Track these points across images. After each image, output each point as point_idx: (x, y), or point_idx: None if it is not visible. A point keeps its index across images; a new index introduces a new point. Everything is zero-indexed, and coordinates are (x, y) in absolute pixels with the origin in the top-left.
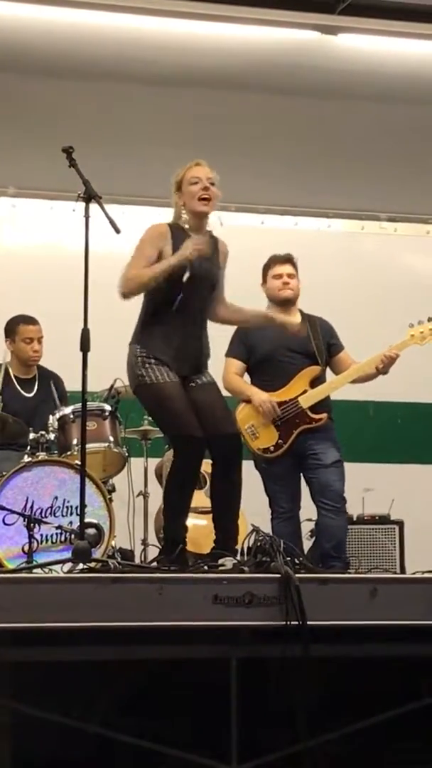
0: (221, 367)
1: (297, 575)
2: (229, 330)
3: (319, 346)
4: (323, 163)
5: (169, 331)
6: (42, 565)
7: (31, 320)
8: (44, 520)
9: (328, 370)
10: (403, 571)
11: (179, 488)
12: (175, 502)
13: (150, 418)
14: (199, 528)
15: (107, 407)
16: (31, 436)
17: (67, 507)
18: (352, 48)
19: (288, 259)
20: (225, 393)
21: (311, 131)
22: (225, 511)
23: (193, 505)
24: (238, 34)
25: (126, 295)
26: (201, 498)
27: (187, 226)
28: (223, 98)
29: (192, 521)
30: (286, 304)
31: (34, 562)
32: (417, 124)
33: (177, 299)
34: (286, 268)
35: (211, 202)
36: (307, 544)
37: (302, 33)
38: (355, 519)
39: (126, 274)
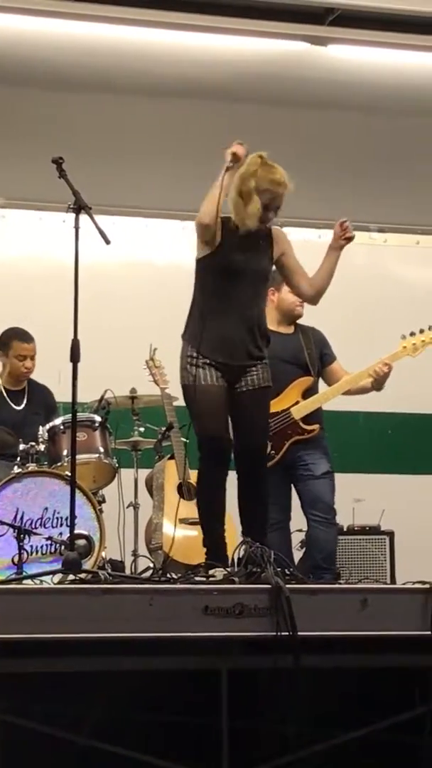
0: None
1: (287, 586)
2: None
3: (312, 356)
4: (312, 174)
5: (215, 326)
6: (32, 576)
7: (27, 338)
8: (34, 531)
9: (320, 381)
10: (393, 581)
11: (206, 490)
12: (204, 505)
13: (141, 429)
14: (189, 539)
15: (97, 418)
16: (21, 447)
17: (57, 518)
18: (342, 59)
19: None
20: None
21: (300, 142)
22: (251, 525)
23: (182, 516)
24: (228, 45)
25: (207, 224)
26: (191, 509)
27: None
28: (214, 109)
29: (182, 532)
30: (292, 319)
31: (24, 574)
32: (406, 135)
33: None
34: None
35: None
36: (297, 554)
37: (292, 44)
38: (345, 529)
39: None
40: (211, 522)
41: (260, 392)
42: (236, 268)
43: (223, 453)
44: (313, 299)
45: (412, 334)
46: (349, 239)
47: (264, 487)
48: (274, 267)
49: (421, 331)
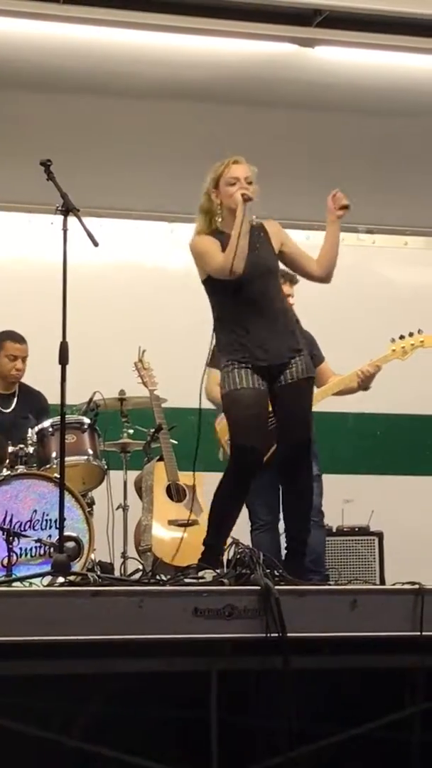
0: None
1: (277, 587)
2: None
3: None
4: (301, 175)
5: (237, 328)
6: (21, 579)
7: (19, 339)
8: (23, 533)
9: None
10: (383, 582)
11: (227, 497)
12: (218, 509)
13: (130, 431)
14: (179, 540)
15: (86, 420)
16: (10, 449)
17: (46, 520)
18: (330, 60)
19: (290, 279)
20: (207, 405)
21: (288, 143)
22: (292, 519)
23: (172, 517)
24: (215, 47)
25: (235, 273)
26: (180, 511)
27: (221, 224)
28: (202, 111)
29: (171, 534)
30: None
31: (13, 576)
32: (394, 136)
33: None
34: (287, 288)
35: (250, 201)
36: None
37: (279, 45)
38: (334, 530)
39: (214, 267)
40: (214, 527)
41: (302, 383)
42: (245, 274)
43: (254, 461)
44: (326, 278)
45: (402, 337)
46: (345, 207)
47: (305, 482)
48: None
49: (411, 335)
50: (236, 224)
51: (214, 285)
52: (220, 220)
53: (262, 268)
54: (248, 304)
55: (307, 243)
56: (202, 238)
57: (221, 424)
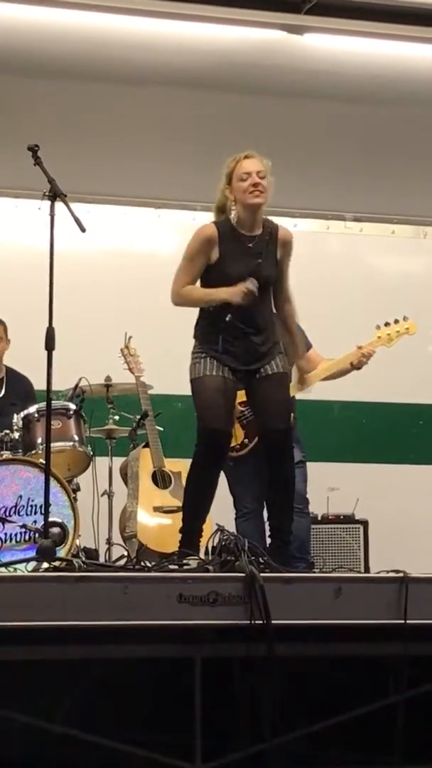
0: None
1: (261, 574)
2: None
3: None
4: (289, 163)
5: (220, 331)
6: (6, 564)
7: None
8: (8, 519)
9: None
10: (367, 570)
11: (198, 480)
12: (191, 494)
13: (115, 417)
14: (164, 527)
15: (72, 406)
16: None
17: (31, 506)
18: (318, 48)
19: None
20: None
21: (276, 130)
22: (275, 508)
23: (157, 504)
24: (203, 33)
25: (177, 305)
26: (165, 497)
27: (236, 221)
28: (189, 97)
29: (157, 520)
30: None
31: None
32: (382, 124)
33: (227, 316)
34: None
35: (263, 194)
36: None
37: (268, 32)
38: (319, 518)
39: (174, 286)
40: (190, 512)
41: (276, 377)
42: (238, 277)
43: (221, 444)
44: (284, 323)
45: (387, 324)
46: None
47: (286, 472)
48: None
49: (396, 322)
50: (218, 294)
51: (209, 275)
52: (234, 216)
53: (259, 281)
54: (236, 309)
55: (294, 231)
56: (206, 229)
57: None
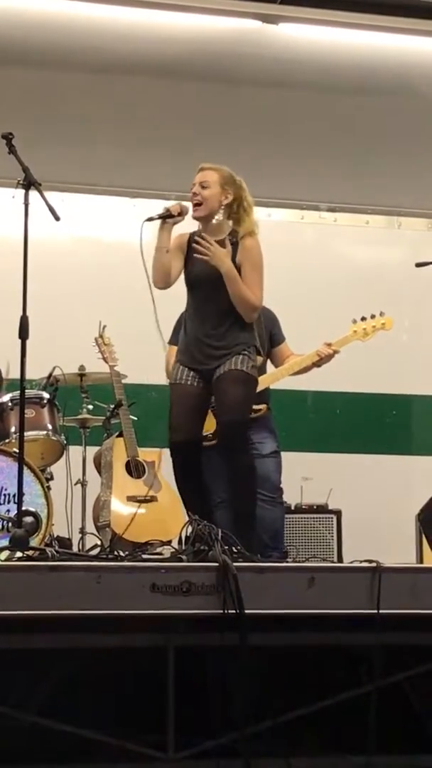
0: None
1: (235, 564)
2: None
3: (261, 335)
4: (263, 153)
5: (185, 332)
6: None
7: None
8: None
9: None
10: (340, 560)
11: (179, 491)
12: (184, 502)
13: (89, 406)
14: (138, 516)
15: (45, 395)
16: None
17: (4, 495)
18: (294, 37)
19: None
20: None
21: (251, 120)
22: (233, 495)
23: (131, 493)
24: (178, 22)
25: (157, 286)
26: (139, 487)
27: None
28: (164, 86)
29: (130, 510)
30: None
31: None
32: (358, 115)
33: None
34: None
35: (201, 206)
36: None
37: (243, 22)
38: (293, 508)
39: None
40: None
41: (230, 374)
42: (199, 278)
43: (184, 452)
44: (241, 307)
45: (363, 318)
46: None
47: (238, 462)
48: None
49: (372, 317)
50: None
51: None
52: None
53: (212, 276)
54: (195, 308)
55: (269, 220)
56: (180, 237)
57: None
